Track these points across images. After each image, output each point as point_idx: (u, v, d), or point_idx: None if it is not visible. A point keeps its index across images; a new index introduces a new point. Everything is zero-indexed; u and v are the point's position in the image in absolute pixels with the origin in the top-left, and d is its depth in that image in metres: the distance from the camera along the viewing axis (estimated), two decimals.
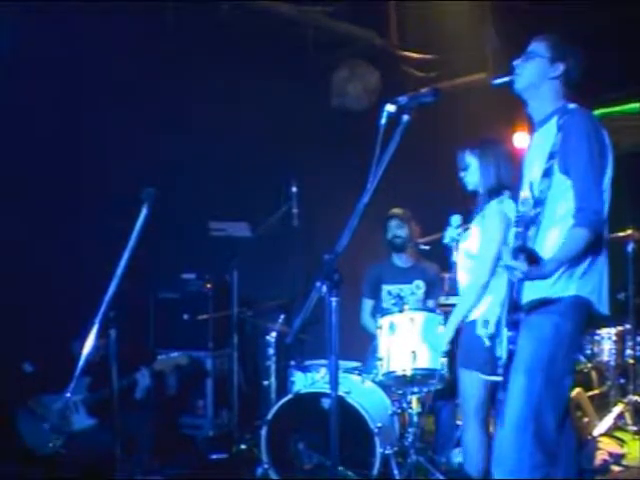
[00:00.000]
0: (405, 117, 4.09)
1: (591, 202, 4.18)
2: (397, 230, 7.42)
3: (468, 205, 5.77)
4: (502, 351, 4.44)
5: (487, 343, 4.77)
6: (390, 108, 4.11)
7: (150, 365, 6.74)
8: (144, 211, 4.71)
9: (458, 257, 5.66)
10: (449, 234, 5.81)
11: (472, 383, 5.36)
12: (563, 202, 4.27)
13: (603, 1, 8.53)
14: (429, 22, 9.63)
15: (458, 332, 5.65)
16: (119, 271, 4.62)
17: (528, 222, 4.29)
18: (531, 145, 4.59)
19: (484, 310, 5.29)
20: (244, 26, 8.24)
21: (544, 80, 4.47)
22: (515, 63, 4.54)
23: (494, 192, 5.52)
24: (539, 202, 4.30)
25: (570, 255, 4.17)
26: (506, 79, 4.55)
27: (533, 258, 4.05)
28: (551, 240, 4.27)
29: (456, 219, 5.80)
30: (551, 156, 4.29)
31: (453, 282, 5.99)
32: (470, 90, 9.43)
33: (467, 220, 5.71)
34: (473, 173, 5.63)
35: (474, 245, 5.51)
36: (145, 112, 7.55)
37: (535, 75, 4.47)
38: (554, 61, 4.45)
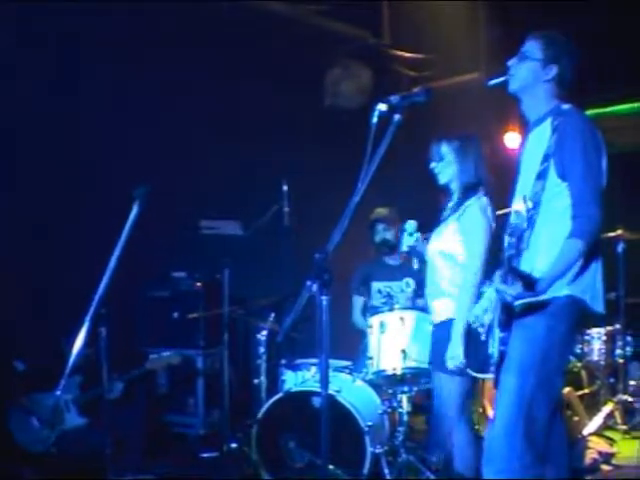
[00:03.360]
0: (397, 116, 4.10)
1: (586, 208, 4.16)
2: (385, 233, 7.39)
3: (439, 200, 5.71)
4: (494, 349, 4.44)
5: (482, 334, 4.73)
6: (382, 107, 4.11)
7: (138, 366, 6.74)
8: (135, 209, 4.71)
9: (431, 257, 5.54)
10: (406, 242, 5.70)
11: (454, 383, 5.30)
12: (558, 202, 4.26)
13: (598, 1, 8.55)
14: (422, 21, 9.64)
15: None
16: (110, 269, 4.63)
17: (521, 234, 4.28)
18: (525, 147, 4.59)
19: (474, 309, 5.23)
20: (237, 24, 8.23)
21: (538, 82, 4.46)
22: (509, 63, 4.53)
23: (471, 188, 5.44)
24: (533, 205, 4.29)
25: (563, 269, 4.16)
26: (500, 79, 4.54)
27: (524, 279, 4.06)
28: (546, 238, 4.25)
29: (411, 225, 5.69)
30: (545, 158, 4.27)
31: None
32: (463, 90, 9.43)
33: (437, 216, 5.64)
34: (448, 166, 5.51)
35: (451, 245, 5.38)
36: (138, 110, 7.55)
37: (528, 77, 4.46)
38: (547, 63, 4.43)
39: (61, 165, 7.23)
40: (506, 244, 4.32)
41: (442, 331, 5.36)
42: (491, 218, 5.37)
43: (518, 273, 4.11)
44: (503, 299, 4.28)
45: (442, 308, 5.41)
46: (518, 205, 4.33)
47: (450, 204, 5.56)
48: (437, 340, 5.45)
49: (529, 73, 4.45)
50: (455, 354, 5.15)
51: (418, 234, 5.69)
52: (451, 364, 5.17)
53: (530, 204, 4.26)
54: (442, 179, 5.56)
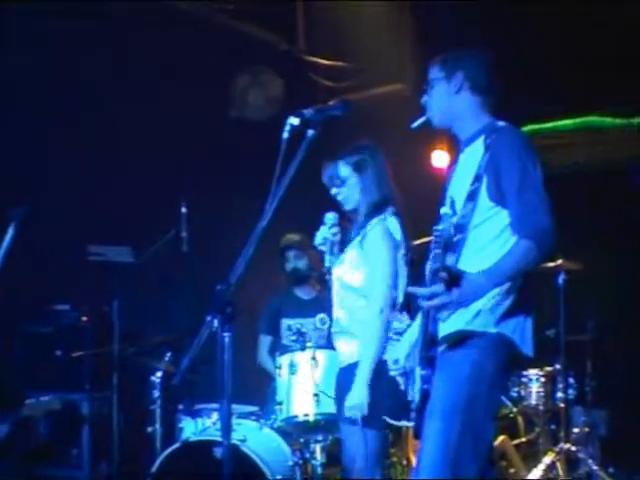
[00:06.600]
0: (310, 132, 4.10)
1: (531, 216, 4.14)
2: (296, 261, 7.38)
3: (345, 227, 5.61)
4: (414, 393, 4.44)
5: (401, 384, 4.70)
6: (294, 121, 4.11)
7: (14, 412, 6.64)
8: (10, 232, 4.65)
9: (334, 287, 5.49)
10: (321, 234, 5.56)
11: (366, 438, 5.18)
12: (489, 227, 4.28)
13: (530, 15, 8.70)
14: (341, 26, 9.68)
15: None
16: None
17: (448, 240, 4.24)
18: (456, 167, 4.61)
19: (389, 348, 5.17)
20: (133, 23, 8.19)
21: (450, 99, 4.51)
22: (423, 101, 4.60)
23: (377, 208, 5.38)
24: (461, 227, 4.26)
25: (513, 268, 4.12)
26: (423, 119, 4.60)
27: (453, 276, 4.02)
28: (475, 268, 4.18)
29: (331, 217, 5.56)
30: (477, 178, 4.28)
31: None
32: (386, 103, 9.50)
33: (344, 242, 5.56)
34: (352, 188, 5.45)
35: (350, 274, 5.36)
36: (19, 122, 7.47)
37: (441, 100, 4.52)
38: (450, 75, 4.50)
39: None
40: (431, 257, 4.22)
41: (346, 376, 5.34)
42: (400, 242, 5.36)
43: (445, 268, 4.07)
44: (439, 314, 4.23)
45: (346, 349, 5.40)
46: (444, 209, 4.32)
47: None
48: (340, 386, 5.42)
49: (439, 96, 4.52)
50: (358, 402, 5.13)
51: (335, 229, 5.58)
52: (351, 414, 5.15)
53: (458, 216, 4.26)
54: (348, 205, 5.52)
